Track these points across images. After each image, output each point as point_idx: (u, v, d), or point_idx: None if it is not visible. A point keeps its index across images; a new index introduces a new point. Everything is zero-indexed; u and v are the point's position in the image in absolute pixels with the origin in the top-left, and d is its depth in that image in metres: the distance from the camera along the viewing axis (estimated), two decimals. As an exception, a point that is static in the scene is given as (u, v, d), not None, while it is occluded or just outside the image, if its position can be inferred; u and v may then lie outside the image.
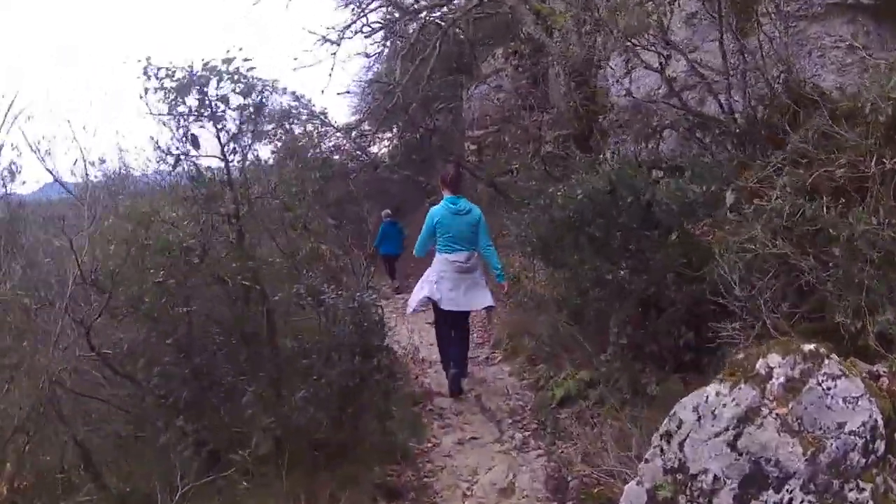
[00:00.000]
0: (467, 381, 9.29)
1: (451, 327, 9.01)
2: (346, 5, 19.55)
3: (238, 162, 5.87)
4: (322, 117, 21.86)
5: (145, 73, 5.23)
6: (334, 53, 18.18)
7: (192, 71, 5.28)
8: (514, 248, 13.39)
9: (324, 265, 8.98)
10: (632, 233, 6.53)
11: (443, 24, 18.70)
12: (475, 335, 11.72)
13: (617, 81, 11.61)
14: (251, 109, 5.65)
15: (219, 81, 5.37)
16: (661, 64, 8.56)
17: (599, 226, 6.67)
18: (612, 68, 11.70)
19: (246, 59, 5.44)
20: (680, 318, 6.44)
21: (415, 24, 19.82)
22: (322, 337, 6.13)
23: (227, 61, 5.36)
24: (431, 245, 8.78)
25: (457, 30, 20.61)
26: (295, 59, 18.68)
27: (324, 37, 17.86)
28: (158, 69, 5.20)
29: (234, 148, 5.69)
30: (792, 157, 6.31)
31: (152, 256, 5.51)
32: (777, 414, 3.40)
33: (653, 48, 8.80)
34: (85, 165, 6.74)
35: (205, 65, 5.32)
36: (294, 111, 22.17)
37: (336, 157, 21.35)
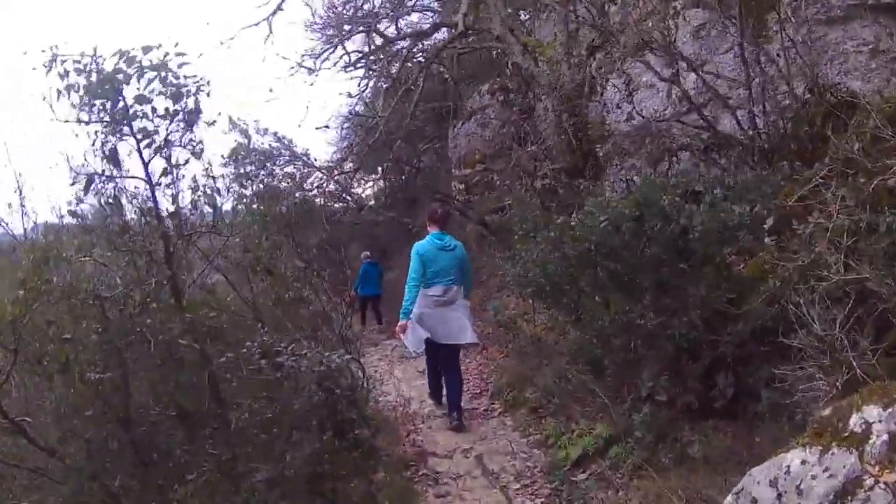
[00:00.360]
0: (465, 437, 8.23)
1: (443, 364, 8.85)
2: (322, 31, 18.37)
3: (173, 186, 4.50)
4: (305, 158, 20.96)
5: (51, 66, 3.96)
6: (312, 84, 17.14)
7: (99, 63, 3.99)
8: (508, 289, 12.38)
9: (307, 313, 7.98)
10: (661, 266, 5.33)
11: (424, 60, 17.79)
12: (471, 384, 10.50)
13: (617, 106, 10.57)
14: (182, 117, 4.31)
15: (139, 79, 4.08)
16: (674, 76, 7.49)
17: (623, 259, 5.43)
18: (614, 88, 10.63)
19: (179, 54, 4.16)
20: (723, 364, 5.25)
21: (397, 62, 18.86)
22: (283, 408, 4.76)
23: (147, 49, 4.08)
24: (421, 280, 8.39)
25: (441, 68, 19.81)
26: (270, 90, 17.32)
27: (299, 63, 16.74)
28: (64, 61, 3.93)
29: (167, 168, 4.35)
30: (838, 167, 5.25)
31: (56, 304, 4.22)
32: (885, 483, 2.45)
33: (660, 58, 7.79)
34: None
35: (121, 55, 4.05)
36: (276, 152, 21.37)
37: (318, 199, 20.31)
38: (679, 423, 5.60)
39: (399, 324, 8.54)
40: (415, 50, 19.22)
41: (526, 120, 15.71)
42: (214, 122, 4.45)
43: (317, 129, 33.21)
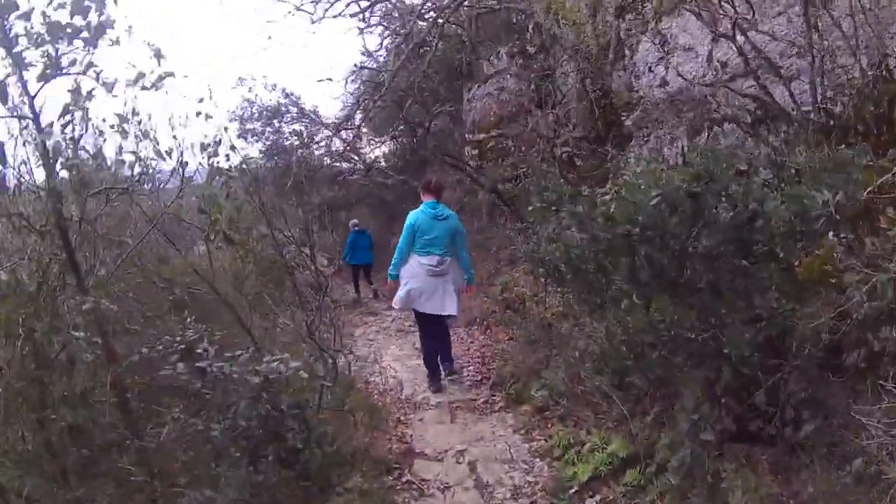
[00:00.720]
0: (459, 434, 7.16)
1: (432, 331, 8.87)
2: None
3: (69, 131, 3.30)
4: (312, 115, 19.87)
5: None
6: (314, 32, 15.91)
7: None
8: (519, 265, 11.26)
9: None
10: (716, 261, 3.98)
11: (439, 17, 16.53)
12: (472, 368, 9.46)
13: (650, 69, 9.33)
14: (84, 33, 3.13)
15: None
16: (735, 26, 6.28)
17: (671, 249, 4.04)
18: (647, 49, 9.41)
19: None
20: (779, 391, 4.08)
21: (411, 18, 17.57)
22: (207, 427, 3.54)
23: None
24: (410, 252, 8.56)
25: (459, 30, 18.57)
26: (269, 37, 15.76)
27: (297, 7, 15.41)
28: None
29: (68, 105, 3.16)
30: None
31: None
32: None
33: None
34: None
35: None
36: (283, 109, 20.26)
37: (325, 158, 19.19)
38: (715, 450, 4.46)
39: (388, 283, 9.04)
40: (428, 5, 17.92)
41: (545, 84, 14.46)
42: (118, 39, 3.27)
43: (319, 81, 32.14)
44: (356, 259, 17.65)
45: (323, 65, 54.37)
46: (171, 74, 3.45)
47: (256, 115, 20.45)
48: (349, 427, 6.60)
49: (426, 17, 17.62)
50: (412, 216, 8.56)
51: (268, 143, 20.52)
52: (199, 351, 3.40)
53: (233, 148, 4.91)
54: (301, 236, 18.51)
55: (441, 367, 8.81)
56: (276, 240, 5.03)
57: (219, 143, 4.66)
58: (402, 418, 7.80)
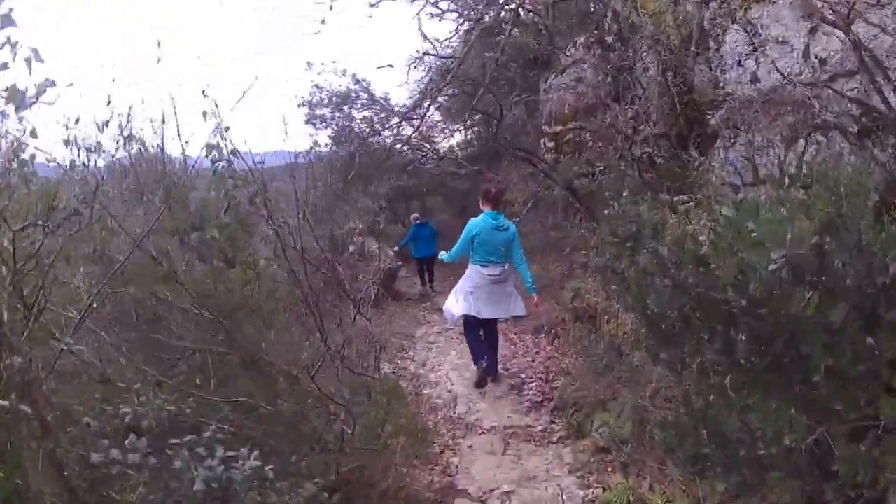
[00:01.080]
0: (509, 471, 6.38)
1: (483, 331, 8.91)
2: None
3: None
4: (383, 101, 19.23)
5: None
6: (370, 16, 15.25)
7: None
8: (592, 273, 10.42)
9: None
10: (836, 338, 2.74)
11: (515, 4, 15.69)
12: (534, 384, 8.68)
13: (739, 64, 8.35)
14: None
15: None
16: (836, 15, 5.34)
17: (785, 326, 2.80)
18: (736, 40, 8.43)
19: None
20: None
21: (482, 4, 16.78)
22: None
23: None
24: (465, 254, 8.70)
25: (535, 17, 17.66)
26: (322, 21, 14.94)
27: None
28: None
29: None
30: None
31: None
32: None
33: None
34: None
35: None
36: (353, 95, 19.66)
37: (397, 146, 18.57)
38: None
39: (453, 293, 8.90)
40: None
41: (624, 77, 13.48)
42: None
43: (378, 67, 31.50)
44: (419, 252, 17.24)
45: (380, 50, 53.53)
46: (52, 84, 2.68)
47: (326, 100, 19.90)
48: (387, 454, 5.92)
49: (501, 3, 16.78)
50: (473, 225, 8.53)
51: (337, 129, 19.97)
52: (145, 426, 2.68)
53: (234, 152, 4.19)
54: (368, 226, 18.11)
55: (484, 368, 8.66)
56: (289, 262, 4.25)
57: (217, 146, 3.96)
58: (450, 442, 7.08)
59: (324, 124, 20.22)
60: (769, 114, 7.43)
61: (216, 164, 4.21)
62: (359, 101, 19.78)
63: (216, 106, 4.19)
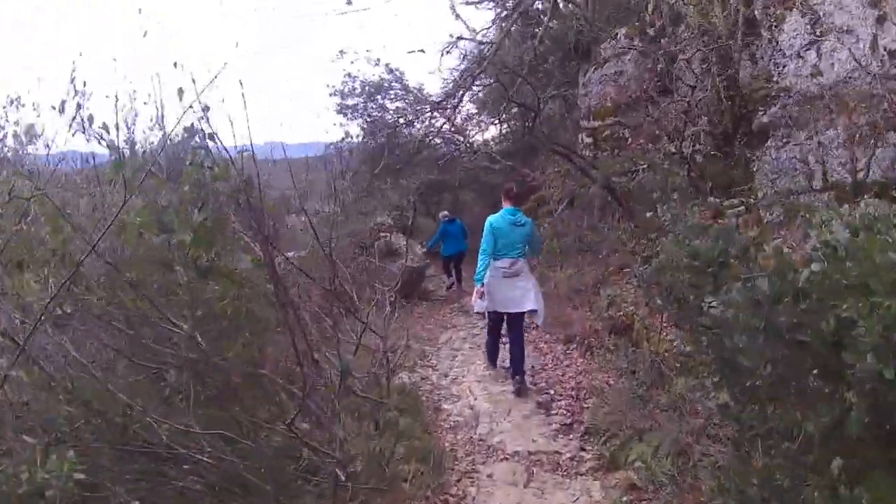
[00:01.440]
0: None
1: (508, 331, 8.98)
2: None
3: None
4: (416, 92, 18.50)
5: None
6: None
7: None
8: (630, 275, 9.99)
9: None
10: None
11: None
12: (563, 403, 7.90)
13: (798, 55, 7.53)
14: None
15: None
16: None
17: None
18: (795, 30, 7.64)
19: None
20: None
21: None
22: None
23: None
24: (493, 250, 8.67)
25: (574, 8, 16.82)
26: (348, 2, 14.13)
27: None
28: None
29: None
30: None
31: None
32: None
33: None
34: None
35: None
36: (386, 85, 18.96)
37: (429, 138, 17.89)
38: None
39: (476, 289, 8.79)
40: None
41: (668, 70, 12.65)
42: None
43: (409, 52, 30.74)
44: (447, 250, 16.74)
45: (411, 35, 52.60)
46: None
47: (358, 89, 19.19)
48: (395, 487, 5.25)
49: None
50: (493, 221, 8.69)
51: (369, 120, 19.26)
52: None
53: (211, 136, 3.49)
54: (396, 221, 17.43)
55: (511, 380, 8.70)
56: (275, 269, 3.51)
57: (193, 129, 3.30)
58: (468, 468, 6.35)
59: (356, 115, 19.53)
60: (830, 111, 6.63)
61: (194, 153, 3.54)
62: (391, 92, 19.07)
63: (193, 82, 3.50)
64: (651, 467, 5.38)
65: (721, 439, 4.70)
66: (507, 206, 8.85)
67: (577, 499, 5.68)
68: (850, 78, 6.29)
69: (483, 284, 8.65)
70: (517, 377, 8.49)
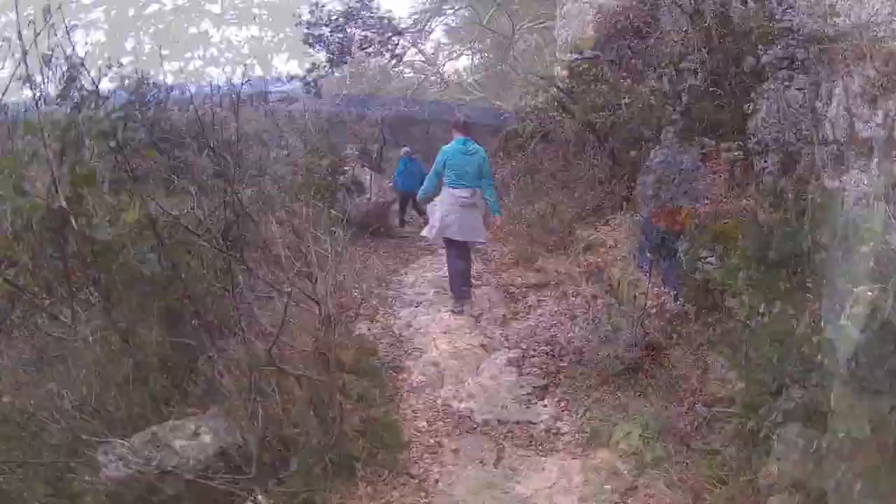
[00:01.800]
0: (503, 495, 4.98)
1: (460, 252, 9.28)
2: None
3: None
4: (384, 20, 17.61)
5: None
6: None
7: None
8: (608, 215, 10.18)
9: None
10: None
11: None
12: (536, 360, 7.20)
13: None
14: None
15: None
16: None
17: None
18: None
19: None
20: None
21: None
22: None
23: None
24: (438, 182, 9.23)
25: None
26: None
27: None
28: None
29: None
30: None
31: None
32: None
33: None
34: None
35: None
36: (353, 13, 17.99)
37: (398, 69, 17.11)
38: None
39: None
40: None
41: (655, 2, 11.85)
42: None
43: None
44: (405, 185, 16.06)
45: None
46: None
47: (325, 18, 18.13)
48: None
49: None
50: (444, 150, 9.10)
51: (334, 49, 18.27)
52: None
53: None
54: (362, 154, 16.72)
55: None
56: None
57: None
58: (432, 442, 5.70)
59: (322, 45, 18.50)
60: (846, 58, 5.89)
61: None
62: (359, 20, 18.08)
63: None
64: (638, 449, 4.74)
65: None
66: (457, 136, 9.17)
67: (555, 483, 5.04)
68: (878, 23, 5.57)
69: (422, 200, 9.61)
70: (464, 288, 9.04)
